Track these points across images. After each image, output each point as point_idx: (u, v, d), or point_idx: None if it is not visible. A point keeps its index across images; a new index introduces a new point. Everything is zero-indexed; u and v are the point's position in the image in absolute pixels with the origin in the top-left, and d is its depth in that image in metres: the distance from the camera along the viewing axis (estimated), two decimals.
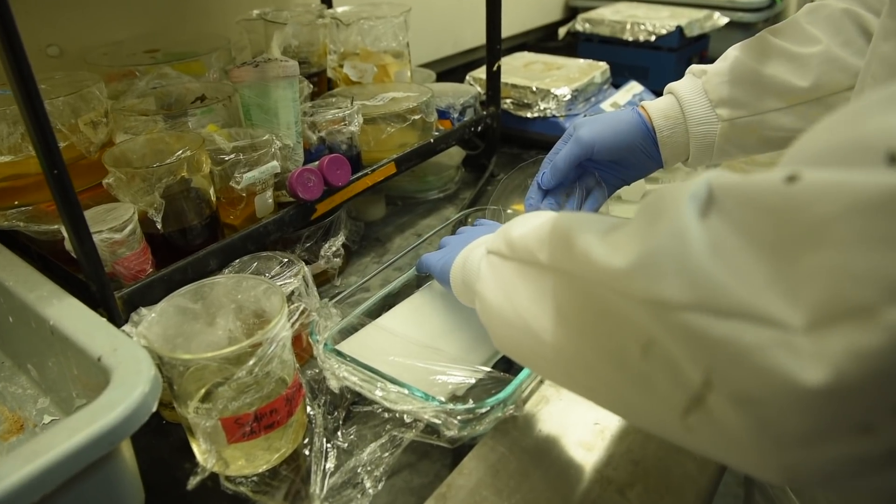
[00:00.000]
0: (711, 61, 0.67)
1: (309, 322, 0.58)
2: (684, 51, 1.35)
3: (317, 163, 0.70)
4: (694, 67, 0.68)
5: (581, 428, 0.52)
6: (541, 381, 0.56)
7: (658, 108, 0.67)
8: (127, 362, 0.44)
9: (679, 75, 0.69)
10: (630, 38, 1.36)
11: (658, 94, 0.72)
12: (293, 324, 0.51)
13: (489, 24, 0.92)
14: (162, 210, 0.58)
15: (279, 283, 0.59)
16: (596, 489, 0.47)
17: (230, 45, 0.87)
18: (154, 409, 0.42)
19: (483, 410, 0.48)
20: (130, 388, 0.41)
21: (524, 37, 1.79)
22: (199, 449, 0.51)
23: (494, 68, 0.94)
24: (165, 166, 0.58)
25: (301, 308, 0.56)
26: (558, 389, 0.55)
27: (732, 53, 0.66)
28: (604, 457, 0.49)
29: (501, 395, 0.49)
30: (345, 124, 0.75)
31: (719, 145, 0.66)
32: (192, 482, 0.45)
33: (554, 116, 1.07)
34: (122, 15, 0.90)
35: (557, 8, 1.89)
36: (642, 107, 0.68)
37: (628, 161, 0.68)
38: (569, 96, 1.06)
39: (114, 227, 0.54)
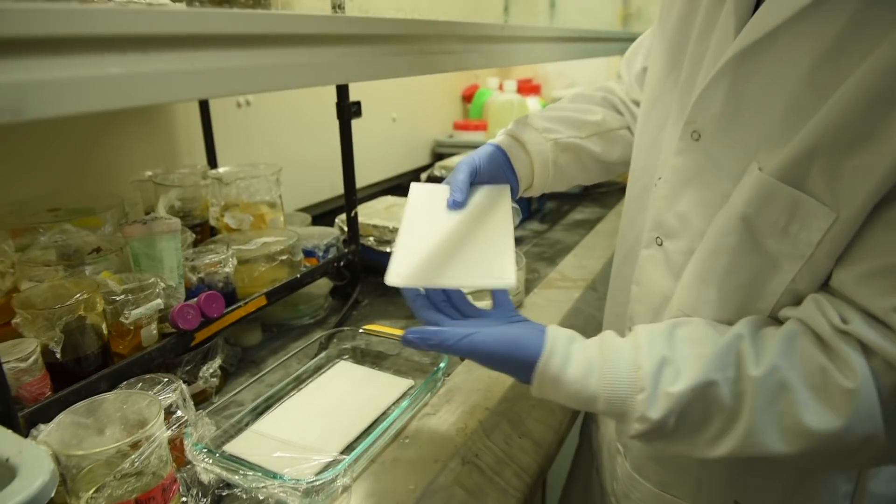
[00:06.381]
0: None
1: (185, 429, 0.71)
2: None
3: (196, 299, 0.86)
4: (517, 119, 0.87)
5: (394, 493, 0.68)
6: (371, 461, 0.71)
7: (502, 140, 0.83)
8: (30, 460, 0.56)
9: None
10: None
11: None
12: (170, 427, 0.65)
13: (346, 181, 1.14)
14: (61, 343, 0.72)
15: (160, 398, 0.73)
16: None
17: (123, 203, 1.03)
18: (52, 495, 0.54)
19: (317, 482, 0.63)
20: (34, 478, 0.54)
21: (399, 179, 2.05)
22: None
23: (352, 214, 1.15)
24: (65, 307, 0.72)
25: (178, 417, 0.70)
26: (383, 465, 0.71)
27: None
28: None
29: (329, 473, 0.65)
30: (221, 266, 0.92)
31: (553, 163, 0.82)
32: None
33: None
34: (28, 175, 1.04)
35: (426, 154, 2.18)
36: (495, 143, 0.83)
37: (506, 180, 0.80)
38: None
39: (20, 357, 0.67)
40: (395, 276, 0.64)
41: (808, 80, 0.51)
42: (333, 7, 1.02)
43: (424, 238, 0.69)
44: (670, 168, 0.65)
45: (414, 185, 0.78)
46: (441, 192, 0.76)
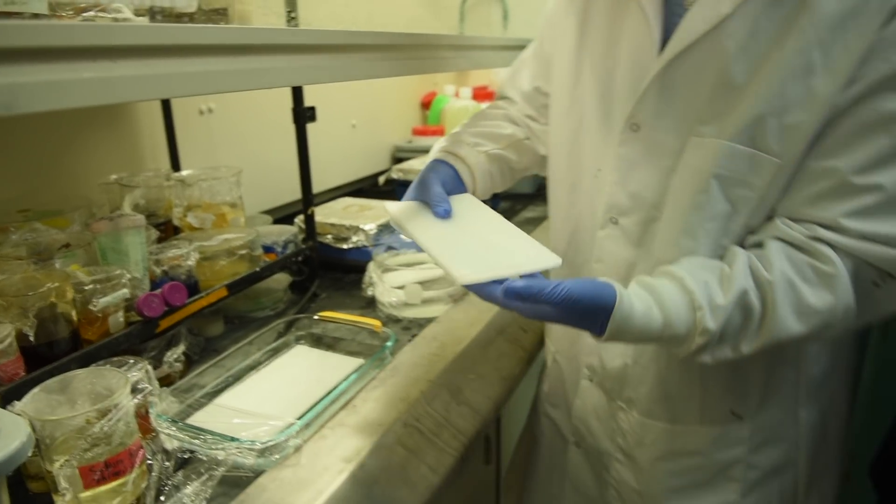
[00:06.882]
0: None
1: (150, 402, 0.78)
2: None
3: (160, 289, 0.93)
4: (447, 137, 0.95)
5: (341, 450, 0.76)
6: (322, 425, 0.79)
7: (444, 156, 0.90)
8: (9, 426, 0.63)
9: None
10: None
11: None
12: (135, 397, 0.72)
13: (303, 181, 1.22)
14: (34, 328, 0.78)
15: (128, 374, 0.80)
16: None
17: (90, 204, 1.09)
18: (29, 454, 0.61)
19: (271, 443, 0.71)
20: (12, 439, 0.61)
21: (360, 182, 2.13)
22: (60, 499, 0.68)
23: (309, 213, 1.23)
24: (38, 294, 0.79)
25: (143, 388, 0.77)
26: (333, 429, 0.79)
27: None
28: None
29: (282, 435, 0.72)
30: (184, 260, 0.99)
31: (489, 173, 0.90)
32: None
33: (365, 246, 1.36)
34: None
35: (385, 159, 2.27)
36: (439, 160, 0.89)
37: (461, 191, 0.86)
38: (375, 230, 1.36)
39: None
40: (465, 276, 0.66)
41: (729, 68, 0.66)
42: (288, 21, 1.10)
43: (451, 243, 0.72)
44: (614, 158, 0.77)
45: (391, 205, 0.82)
46: (418, 206, 0.81)
